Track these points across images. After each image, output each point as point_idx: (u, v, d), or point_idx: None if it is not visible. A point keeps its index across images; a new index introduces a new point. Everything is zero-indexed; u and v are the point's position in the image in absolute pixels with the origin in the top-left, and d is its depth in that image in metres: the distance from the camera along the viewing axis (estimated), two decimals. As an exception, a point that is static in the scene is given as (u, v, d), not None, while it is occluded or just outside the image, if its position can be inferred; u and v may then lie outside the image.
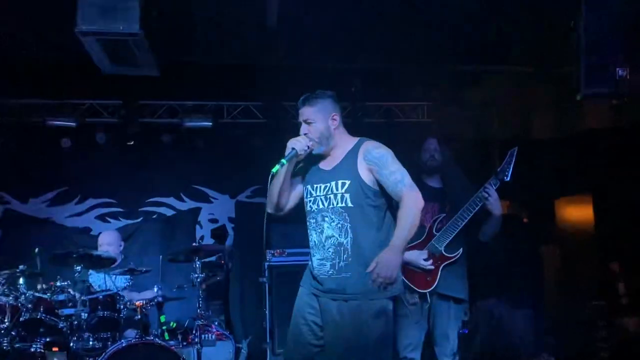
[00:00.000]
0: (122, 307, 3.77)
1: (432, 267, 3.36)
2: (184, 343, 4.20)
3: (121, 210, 5.97)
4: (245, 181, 6.29)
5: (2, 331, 3.51)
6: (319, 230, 2.74)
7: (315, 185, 2.79)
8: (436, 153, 3.57)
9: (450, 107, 5.75)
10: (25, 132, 5.69)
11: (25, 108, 5.71)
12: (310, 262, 2.85)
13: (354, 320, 2.62)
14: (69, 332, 3.60)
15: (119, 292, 3.84)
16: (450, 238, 3.39)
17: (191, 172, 6.18)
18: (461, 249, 3.44)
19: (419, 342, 3.44)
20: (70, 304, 3.64)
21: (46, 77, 5.68)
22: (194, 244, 4.25)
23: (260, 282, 5.17)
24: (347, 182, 2.69)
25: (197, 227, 6.08)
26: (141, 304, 3.81)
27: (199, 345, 3.91)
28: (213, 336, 4.54)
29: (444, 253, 3.39)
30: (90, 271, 4.27)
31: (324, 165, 2.83)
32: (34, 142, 5.73)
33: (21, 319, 3.57)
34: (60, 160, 5.85)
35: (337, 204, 2.69)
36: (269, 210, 2.94)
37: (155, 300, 3.89)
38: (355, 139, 2.82)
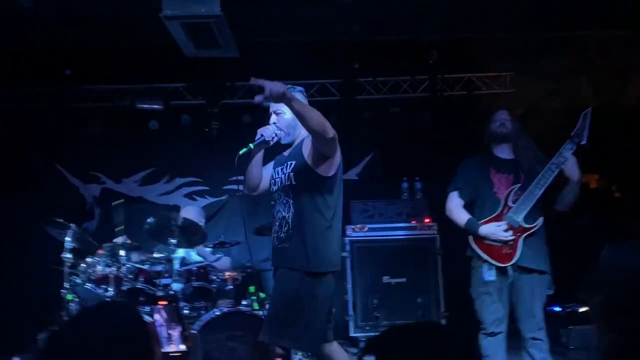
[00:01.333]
0: (214, 277, 3.96)
1: (512, 238, 3.27)
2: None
3: (207, 188, 6.20)
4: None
5: (108, 299, 3.79)
6: (275, 209, 2.98)
7: (276, 169, 3.05)
8: (506, 122, 3.46)
9: (535, 76, 5.52)
10: (116, 116, 6.02)
11: (115, 93, 6.05)
12: None
13: (287, 287, 2.80)
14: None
15: (211, 264, 4.03)
16: (529, 208, 3.27)
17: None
18: (541, 219, 3.32)
19: (504, 315, 3.37)
20: (166, 275, 3.86)
21: (133, 63, 6.00)
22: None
23: (341, 256, 5.25)
24: (293, 163, 2.91)
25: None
26: (232, 275, 3.99)
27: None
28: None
29: (523, 224, 3.28)
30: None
31: (287, 152, 3.08)
32: (125, 125, 6.05)
33: (123, 287, 3.83)
34: (149, 141, 6.15)
35: (285, 182, 2.92)
36: (244, 190, 3.16)
37: (245, 272, 4.05)
38: None
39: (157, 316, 3.63)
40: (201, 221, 4.97)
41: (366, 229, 4.94)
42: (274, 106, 3.02)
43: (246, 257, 4.28)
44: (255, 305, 4.02)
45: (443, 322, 4.83)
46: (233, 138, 6.18)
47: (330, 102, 6.12)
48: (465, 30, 5.50)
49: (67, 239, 3.99)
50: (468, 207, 3.53)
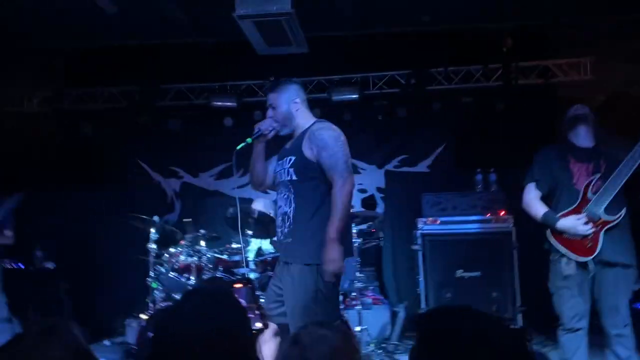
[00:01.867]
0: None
1: (592, 230, 3.12)
2: (344, 305, 4.41)
3: (279, 181, 6.35)
4: (393, 151, 6.35)
5: (190, 287, 3.99)
6: (277, 203, 2.94)
7: (279, 162, 2.98)
8: (583, 107, 3.31)
9: (616, 61, 5.23)
10: (193, 114, 6.29)
11: (191, 91, 6.31)
12: None
13: (294, 281, 2.73)
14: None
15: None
16: (610, 199, 3.10)
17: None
18: (624, 210, 3.14)
19: (585, 311, 3.22)
20: (242, 265, 4.01)
21: (208, 62, 6.24)
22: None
23: (412, 249, 5.24)
24: (293, 158, 2.85)
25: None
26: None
27: (360, 307, 4.08)
28: (370, 300, 4.70)
29: (603, 217, 3.12)
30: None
31: (288, 144, 3.03)
32: (201, 122, 6.31)
33: (204, 276, 4.02)
34: (224, 137, 6.37)
35: (285, 177, 2.87)
36: (251, 187, 3.14)
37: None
38: (312, 120, 2.96)
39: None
40: (271, 212, 5.11)
41: (438, 222, 4.89)
42: (269, 100, 3.00)
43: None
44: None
45: (519, 316, 4.71)
46: (303, 132, 6.32)
47: (400, 94, 6.10)
48: (540, 15, 5.30)
49: (152, 230, 4.23)
50: (545, 199, 3.41)
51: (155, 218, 4.35)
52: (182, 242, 4.24)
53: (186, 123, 6.30)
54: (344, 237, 2.72)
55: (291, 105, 2.96)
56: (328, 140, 2.81)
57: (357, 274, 4.24)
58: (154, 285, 4.16)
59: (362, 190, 6.31)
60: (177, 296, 4.06)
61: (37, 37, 5.65)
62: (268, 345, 2.85)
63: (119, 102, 6.26)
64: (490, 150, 5.65)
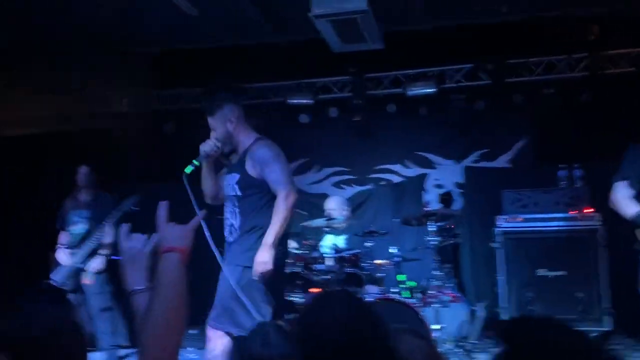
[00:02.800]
0: (365, 264, 4.11)
1: None
2: (421, 303, 4.39)
3: (353, 177, 6.40)
4: (470, 146, 6.22)
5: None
6: (225, 214, 3.25)
7: (226, 176, 3.26)
8: None
9: None
10: (270, 112, 6.44)
11: (268, 90, 6.47)
12: None
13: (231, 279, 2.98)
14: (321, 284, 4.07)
15: (362, 251, 4.19)
16: None
17: (415, 140, 6.32)
18: None
19: None
20: (320, 261, 4.10)
21: (283, 60, 6.37)
22: (426, 208, 4.39)
23: (491, 247, 5.12)
24: (238, 176, 3.14)
25: (423, 192, 6.22)
26: (382, 262, 4.11)
27: (438, 305, 4.05)
28: (447, 297, 4.65)
29: None
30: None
31: (234, 158, 3.29)
32: (277, 119, 6.45)
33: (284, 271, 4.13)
34: (300, 134, 6.50)
35: (231, 192, 3.17)
36: (206, 201, 3.30)
37: (394, 260, 4.14)
38: (253, 138, 3.26)
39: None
40: (344, 210, 5.16)
41: (520, 219, 4.74)
42: (209, 123, 3.21)
43: (394, 246, 4.37)
44: (405, 294, 4.09)
45: (606, 318, 4.50)
46: (379, 128, 6.33)
47: (479, 87, 5.95)
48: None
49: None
50: (637, 197, 3.23)
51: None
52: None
53: (263, 121, 6.46)
54: (280, 243, 3.04)
55: (227, 125, 3.19)
56: (269, 158, 3.13)
57: (435, 272, 4.19)
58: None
59: (439, 186, 6.23)
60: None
61: (126, 41, 6.00)
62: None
63: (200, 102, 6.51)
64: (575, 144, 5.40)
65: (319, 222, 4.63)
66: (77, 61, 6.39)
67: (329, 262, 4.07)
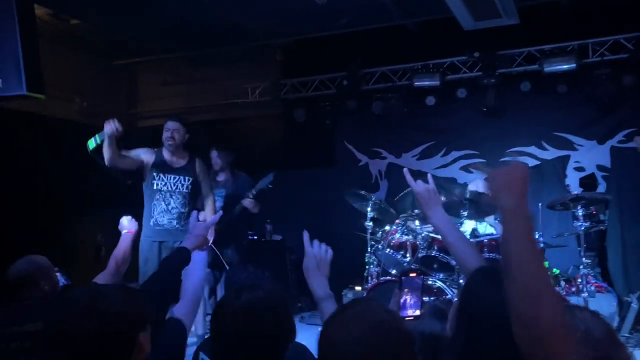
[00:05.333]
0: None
1: None
2: (564, 292, 4.16)
3: (483, 160, 6.16)
4: (616, 125, 5.72)
5: (405, 264, 4.14)
6: (171, 204, 4.34)
7: (171, 174, 4.37)
8: None
9: None
10: (396, 95, 6.38)
11: (394, 73, 6.42)
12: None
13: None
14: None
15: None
16: None
17: (552, 119, 5.93)
18: None
19: None
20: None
21: (410, 42, 6.28)
22: (574, 192, 4.12)
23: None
24: (190, 179, 4.40)
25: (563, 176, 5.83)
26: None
27: (586, 294, 3.81)
28: (592, 287, 4.36)
29: None
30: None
31: (174, 162, 4.40)
32: (403, 103, 6.38)
33: (419, 255, 4.12)
34: (426, 117, 6.39)
35: (183, 189, 4.38)
36: (107, 164, 4.08)
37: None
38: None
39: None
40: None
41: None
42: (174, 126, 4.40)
43: (536, 231, 4.15)
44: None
45: None
46: (511, 108, 6.03)
47: (627, 60, 5.44)
48: None
49: (368, 209, 4.46)
50: None
51: (372, 197, 4.56)
52: (397, 221, 4.39)
53: (389, 105, 6.42)
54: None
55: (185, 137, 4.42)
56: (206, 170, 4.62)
57: (583, 260, 3.93)
58: (370, 260, 4.40)
59: (579, 169, 5.81)
60: (393, 271, 4.24)
61: (258, 33, 6.27)
62: None
63: (329, 89, 6.65)
64: None
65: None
66: (213, 55, 6.83)
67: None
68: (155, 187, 4.34)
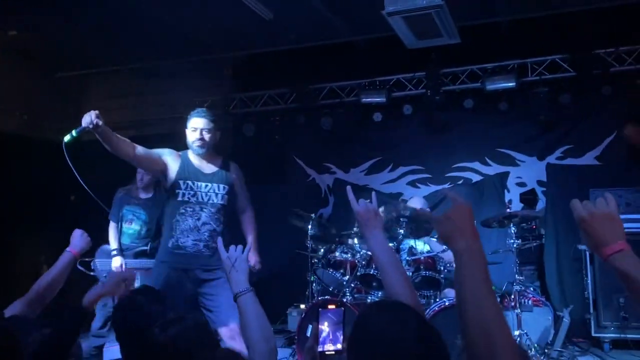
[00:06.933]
0: (441, 268, 4.02)
1: None
2: (501, 306, 4.24)
3: (429, 176, 6.27)
4: (554, 141, 5.90)
5: (344, 283, 4.15)
6: (202, 219, 3.47)
7: (202, 182, 3.51)
8: None
9: None
10: (344, 111, 6.44)
11: (342, 89, 6.47)
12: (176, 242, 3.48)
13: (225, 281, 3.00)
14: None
15: (438, 254, 4.10)
16: None
17: (495, 136, 6.08)
18: None
19: None
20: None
21: (357, 59, 6.35)
22: (507, 210, 4.22)
23: (578, 249, 4.86)
24: (227, 187, 3.57)
25: (505, 191, 5.98)
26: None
27: (518, 310, 3.90)
28: (530, 302, 4.47)
29: None
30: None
31: (204, 167, 3.56)
32: (351, 118, 6.44)
33: (358, 273, 4.14)
34: (373, 133, 6.46)
35: (218, 200, 3.53)
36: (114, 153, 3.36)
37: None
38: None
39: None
40: (428, 210, 5.05)
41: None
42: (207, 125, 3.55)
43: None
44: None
45: None
46: (455, 124, 6.16)
47: (564, 79, 5.64)
48: None
49: (309, 227, 4.46)
50: None
51: (312, 216, 4.57)
52: (337, 240, 4.40)
53: (337, 120, 6.47)
54: None
55: (217, 137, 3.61)
56: (244, 178, 3.78)
57: (517, 276, 4.03)
58: (311, 278, 4.40)
59: (521, 184, 5.97)
60: (333, 290, 4.24)
61: (205, 47, 6.23)
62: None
63: (277, 104, 6.65)
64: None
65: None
66: (159, 68, 6.74)
67: (405, 266, 4.01)
68: (180, 199, 3.46)
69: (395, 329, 1.36)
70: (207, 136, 3.48)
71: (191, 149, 3.52)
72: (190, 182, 3.47)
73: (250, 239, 3.67)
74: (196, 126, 3.50)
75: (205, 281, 3.45)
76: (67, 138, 3.23)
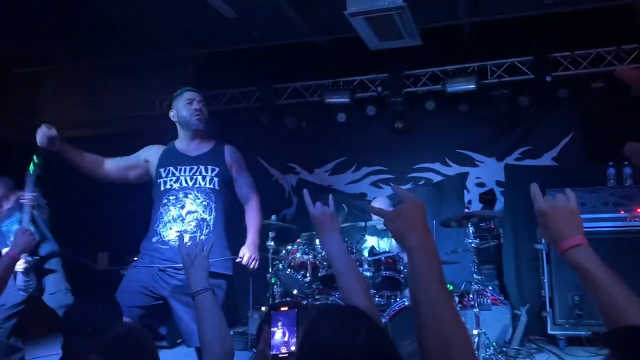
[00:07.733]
0: (402, 267, 4.04)
1: None
2: (460, 305, 4.29)
3: (392, 176, 6.31)
4: (513, 143, 6.02)
5: (306, 284, 4.12)
6: (180, 205, 2.96)
7: (183, 166, 3.03)
8: None
9: None
10: (307, 111, 6.41)
11: (306, 89, 6.44)
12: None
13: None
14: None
15: (399, 254, 4.11)
16: None
17: (455, 137, 6.17)
18: None
19: None
20: (357, 264, 4.03)
21: (321, 59, 6.33)
22: (465, 210, 4.27)
23: (535, 248, 4.96)
24: (217, 169, 3.03)
25: (464, 191, 6.07)
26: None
27: (477, 309, 3.95)
28: (488, 301, 4.53)
29: None
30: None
31: (192, 150, 3.11)
32: (315, 119, 6.42)
33: (319, 274, 4.11)
34: (337, 133, 6.45)
35: (206, 184, 2.99)
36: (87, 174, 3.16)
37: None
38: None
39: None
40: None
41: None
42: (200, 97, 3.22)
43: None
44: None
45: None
46: (417, 126, 6.21)
47: (522, 82, 5.75)
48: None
49: (270, 230, 4.41)
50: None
51: (273, 217, 4.52)
52: (299, 240, 4.37)
53: (301, 120, 6.44)
54: None
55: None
56: (244, 163, 3.20)
57: (475, 276, 4.08)
58: (272, 280, 4.35)
59: (480, 184, 6.07)
60: (295, 292, 4.21)
61: (166, 44, 6.11)
62: None
63: (240, 103, 6.57)
64: (624, 140, 5.12)
65: (362, 224, 4.61)
66: (117, 65, 6.58)
67: (365, 265, 4.01)
68: (163, 188, 3.01)
69: (345, 335, 1.33)
70: (204, 108, 3.17)
71: (188, 124, 3.10)
72: (172, 168, 3.02)
73: (250, 233, 3.06)
74: (191, 98, 3.16)
75: (178, 288, 2.84)
76: (31, 168, 3.13)
